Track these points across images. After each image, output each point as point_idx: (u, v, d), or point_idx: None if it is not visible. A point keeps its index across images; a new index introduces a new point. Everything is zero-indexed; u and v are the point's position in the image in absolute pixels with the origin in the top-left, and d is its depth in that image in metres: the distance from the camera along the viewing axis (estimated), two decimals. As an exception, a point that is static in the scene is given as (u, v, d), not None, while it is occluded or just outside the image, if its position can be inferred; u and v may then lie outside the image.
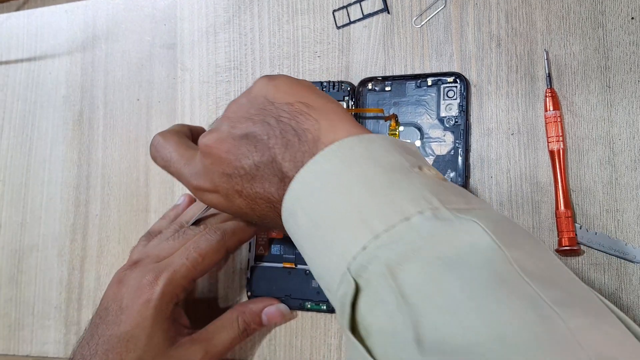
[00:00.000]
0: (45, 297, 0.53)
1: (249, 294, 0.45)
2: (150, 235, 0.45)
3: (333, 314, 0.43)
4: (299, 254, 0.44)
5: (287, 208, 0.29)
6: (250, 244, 0.46)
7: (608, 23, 0.39)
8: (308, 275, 0.43)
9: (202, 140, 0.32)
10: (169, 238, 0.41)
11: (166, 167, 0.36)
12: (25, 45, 0.58)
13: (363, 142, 0.28)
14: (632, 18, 0.39)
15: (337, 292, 0.26)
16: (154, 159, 0.37)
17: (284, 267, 0.44)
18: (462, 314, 0.22)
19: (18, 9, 0.60)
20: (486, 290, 0.22)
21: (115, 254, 0.52)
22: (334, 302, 0.27)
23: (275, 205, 0.30)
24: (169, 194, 0.51)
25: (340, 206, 0.26)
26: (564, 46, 0.40)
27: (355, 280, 0.25)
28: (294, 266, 0.44)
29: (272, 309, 0.43)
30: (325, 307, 0.43)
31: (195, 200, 0.49)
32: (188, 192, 0.49)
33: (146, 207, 0.51)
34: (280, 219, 0.30)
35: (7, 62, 0.59)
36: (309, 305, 0.43)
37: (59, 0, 0.58)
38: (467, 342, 0.21)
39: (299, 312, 0.44)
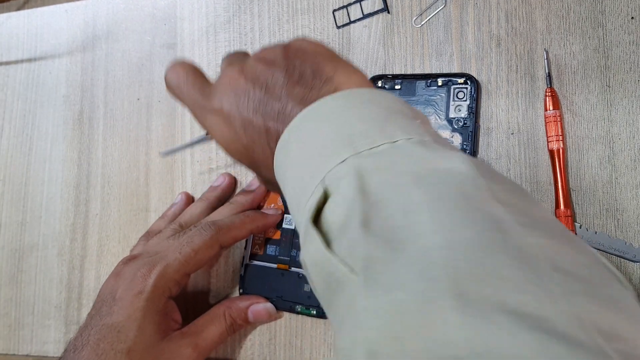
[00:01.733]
0: (45, 296, 0.53)
1: (241, 291, 0.45)
2: (149, 234, 0.45)
3: (324, 320, 0.43)
4: (294, 256, 0.44)
5: (283, 139, 0.29)
6: (246, 241, 0.46)
7: (608, 23, 0.39)
8: (301, 278, 0.43)
9: (227, 66, 0.33)
10: (168, 237, 0.41)
11: (179, 86, 0.36)
12: (25, 45, 0.59)
13: (373, 92, 0.29)
14: (632, 18, 0.39)
15: (306, 206, 0.26)
16: (167, 78, 0.37)
17: (277, 268, 0.44)
18: (415, 214, 0.22)
19: (18, 9, 0.60)
20: (449, 202, 0.22)
21: (115, 253, 0.52)
22: (301, 220, 0.26)
23: (269, 134, 0.31)
24: (169, 193, 0.51)
25: (334, 133, 0.27)
26: (564, 46, 0.40)
27: (326, 189, 0.25)
28: (287, 268, 0.44)
29: (259, 307, 0.43)
30: (315, 312, 0.43)
31: (193, 199, 0.49)
32: (186, 190, 0.49)
33: (146, 207, 0.51)
34: (269, 149, 0.30)
35: (7, 62, 0.59)
36: (299, 309, 0.43)
37: (59, 0, 0.58)
38: (412, 234, 0.21)
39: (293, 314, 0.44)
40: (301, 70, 0.30)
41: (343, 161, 0.25)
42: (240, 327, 0.43)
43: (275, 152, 0.30)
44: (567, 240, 0.22)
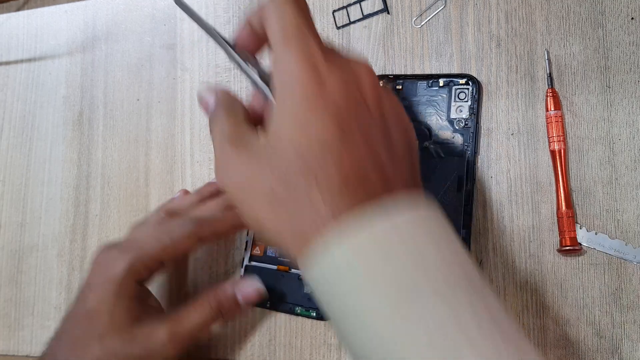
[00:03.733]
0: (45, 297, 0.53)
1: (242, 292, 0.45)
2: (135, 223, 0.45)
3: (323, 321, 0.43)
4: None
5: (342, 258, 0.24)
6: (246, 242, 0.46)
7: (608, 23, 0.39)
8: (301, 280, 0.43)
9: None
10: (153, 224, 0.42)
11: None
12: (25, 45, 0.58)
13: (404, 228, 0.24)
14: (632, 18, 0.39)
15: None
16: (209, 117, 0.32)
17: (277, 270, 0.44)
18: None
19: (18, 9, 0.60)
20: None
21: (115, 254, 0.52)
22: None
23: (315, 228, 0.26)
24: (169, 194, 0.50)
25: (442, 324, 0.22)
26: (564, 46, 0.40)
27: None
28: (287, 270, 0.44)
29: (245, 285, 0.41)
30: (314, 314, 0.43)
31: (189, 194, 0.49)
32: (185, 188, 0.49)
33: (146, 207, 0.51)
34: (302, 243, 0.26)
35: (7, 62, 0.59)
36: (298, 311, 0.43)
37: (59, 0, 0.58)
38: None
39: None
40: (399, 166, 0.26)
41: None
42: (230, 313, 0.41)
43: (317, 263, 0.25)
44: None
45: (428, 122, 0.42)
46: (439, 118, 0.42)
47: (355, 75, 0.27)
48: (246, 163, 0.27)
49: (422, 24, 0.44)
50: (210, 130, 0.31)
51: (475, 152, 0.41)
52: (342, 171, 0.25)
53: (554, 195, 0.39)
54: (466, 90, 0.41)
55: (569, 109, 0.40)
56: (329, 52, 0.28)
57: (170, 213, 0.43)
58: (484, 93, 0.42)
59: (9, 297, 0.54)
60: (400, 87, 0.43)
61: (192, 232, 0.39)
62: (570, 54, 0.40)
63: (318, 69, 0.26)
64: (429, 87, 0.42)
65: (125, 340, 0.37)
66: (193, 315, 0.39)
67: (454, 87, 0.42)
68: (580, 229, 0.38)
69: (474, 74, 0.42)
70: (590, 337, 0.38)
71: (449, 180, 0.41)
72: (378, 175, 0.26)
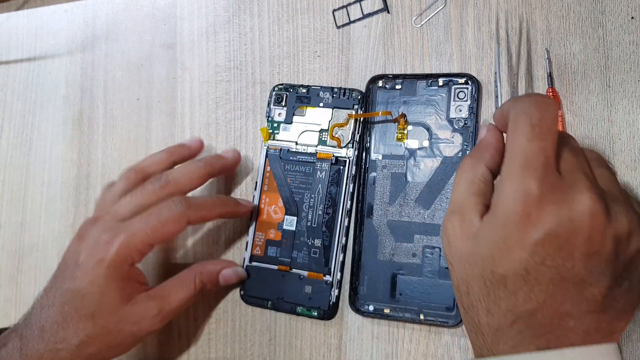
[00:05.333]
0: (45, 297, 0.53)
1: (242, 292, 0.45)
2: (110, 185, 0.44)
3: (324, 321, 0.43)
4: (295, 257, 0.44)
5: None
6: (247, 243, 0.46)
7: (608, 23, 0.39)
8: (302, 280, 0.43)
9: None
10: (128, 193, 0.41)
11: None
12: (25, 45, 0.59)
13: None
14: (632, 18, 0.39)
15: None
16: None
17: (278, 270, 0.44)
18: None
19: (18, 9, 0.60)
20: None
21: (115, 253, 0.52)
22: None
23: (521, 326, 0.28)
24: (168, 193, 0.50)
25: None
26: (564, 46, 0.40)
27: None
28: (288, 270, 0.44)
29: (229, 271, 0.44)
30: (316, 313, 0.43)
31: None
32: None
33: (146, 207, 0.51)
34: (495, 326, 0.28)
35: (7, 62, 0.59)
36: (299, 310, 0.43)
37: (59, 0, 0.58)
38: None
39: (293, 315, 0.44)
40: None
41: None
42: (210, 291, 0.44)
43: None
44: None
45: (427, 121, 0.42)
46: (438, 117, 0.42)
47: (572, 222, 0.26)
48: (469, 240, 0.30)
49: (422, 23, 0.44)
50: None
51: (475, 152, 0.41)
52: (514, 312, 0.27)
53: (554, 194, 0.39)
54: (465, 90, 0.41)
55: (568, 108, 0.40)
56: (555, 186, 0.27)
57: (140, 172, 0.43)
58: (483, 92, 0.42)
59: (8, 297, 0.54)
60: (400, 86, 0.43)
61: (182, 215, 0.39)
62: (570, 54, 0.40)
63: (531, 214, 0.26)
64: (429, 86, 0.42)
65: (118, 318, 0.38)
66: (179, 294, 0.41)
67: (453, 87, 0.42)
68: (580, 228, 0.38)
69: (474, 74, 0.42)
70: (590, 337, 0.37)
71: (449, 180, 0.41)
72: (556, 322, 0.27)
